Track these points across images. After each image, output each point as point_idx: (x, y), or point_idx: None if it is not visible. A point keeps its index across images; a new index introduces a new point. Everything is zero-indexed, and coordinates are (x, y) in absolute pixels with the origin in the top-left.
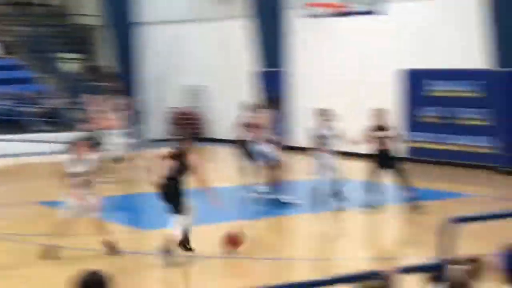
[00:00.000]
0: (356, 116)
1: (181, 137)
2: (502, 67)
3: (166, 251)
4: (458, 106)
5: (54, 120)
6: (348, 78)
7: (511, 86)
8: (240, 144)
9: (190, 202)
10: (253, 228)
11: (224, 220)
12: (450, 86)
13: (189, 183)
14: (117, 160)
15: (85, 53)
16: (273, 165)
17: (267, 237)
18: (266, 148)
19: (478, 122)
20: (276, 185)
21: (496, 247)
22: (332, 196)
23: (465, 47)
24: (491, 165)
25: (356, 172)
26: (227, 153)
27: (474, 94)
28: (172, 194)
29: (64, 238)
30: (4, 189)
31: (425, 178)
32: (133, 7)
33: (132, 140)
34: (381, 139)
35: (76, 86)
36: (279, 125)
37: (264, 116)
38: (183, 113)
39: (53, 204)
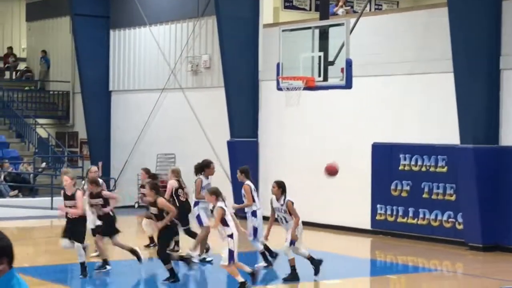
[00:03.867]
0: (327, 187)
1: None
2: (464, 143)
3: None
4: (425, 181)
5: (24, 186)
6: (319, 150)
7: (474, 162)
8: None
9: None
10: None
11: None
12: (417, 161)
13: None
14: None
15: (59, 119)
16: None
17: None
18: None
19: (443, 197)
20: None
21: None
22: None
23: (431, 122)
24: (456, 240)
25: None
26: (194, 222)
27: (440, 169)
28: None
29: None
30: None
31: (392, 251)
32: (108, 75)
33: None
34: None
35: (48, 152)
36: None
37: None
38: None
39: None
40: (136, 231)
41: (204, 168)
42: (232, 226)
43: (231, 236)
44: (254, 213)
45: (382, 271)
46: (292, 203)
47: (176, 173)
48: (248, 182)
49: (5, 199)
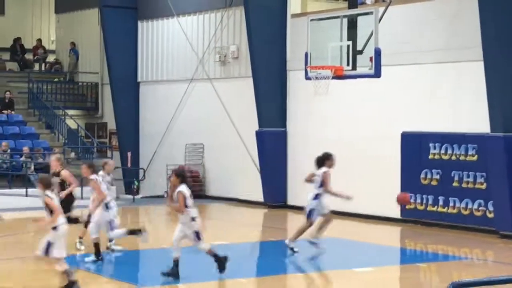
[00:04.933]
0: (356, 177)
1: None
2: (495, 131)
3: None
4: (455, 169)
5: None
6: (348, 139)
7: (504, 150)
8: None
9: None
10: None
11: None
12: (447, 149)
13: None
14: None
15: (88, 110)
16: None
17: None
18: None
19: (474, 185)
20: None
21: None
22: None
23: (461, 110)
24: (487, 228)
25: None
26: (224, 211)
27: (470, 158)
28: None
29: None
30: (11, 242)
31: (422, 240)
32: (136, 66)
33: None
34: None
35: (78, 143)
36: None
37: None
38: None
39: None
40: (165, 220)
41: (325, 160)
42: (61, 217)
43: (55, 228)
44: (107, 205)
45: (412, 259)
46: (184, 196)
47: (62, 162)
48: (93, 176)
49: (35, 189)
